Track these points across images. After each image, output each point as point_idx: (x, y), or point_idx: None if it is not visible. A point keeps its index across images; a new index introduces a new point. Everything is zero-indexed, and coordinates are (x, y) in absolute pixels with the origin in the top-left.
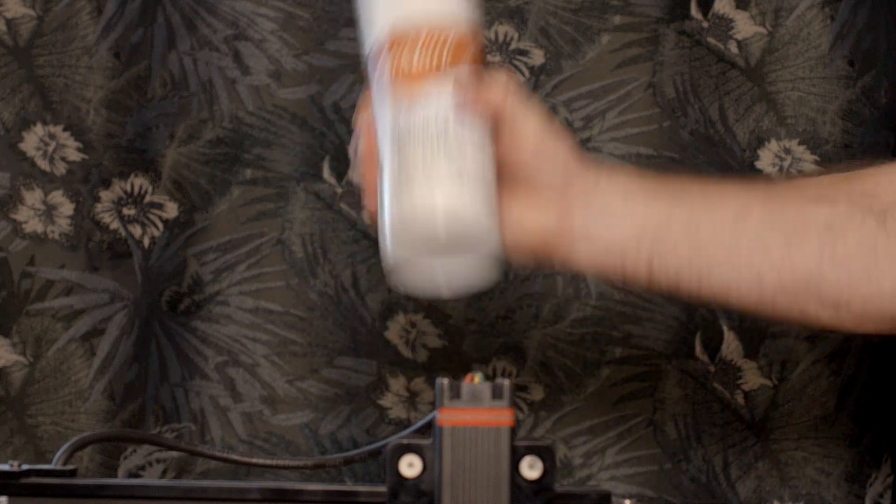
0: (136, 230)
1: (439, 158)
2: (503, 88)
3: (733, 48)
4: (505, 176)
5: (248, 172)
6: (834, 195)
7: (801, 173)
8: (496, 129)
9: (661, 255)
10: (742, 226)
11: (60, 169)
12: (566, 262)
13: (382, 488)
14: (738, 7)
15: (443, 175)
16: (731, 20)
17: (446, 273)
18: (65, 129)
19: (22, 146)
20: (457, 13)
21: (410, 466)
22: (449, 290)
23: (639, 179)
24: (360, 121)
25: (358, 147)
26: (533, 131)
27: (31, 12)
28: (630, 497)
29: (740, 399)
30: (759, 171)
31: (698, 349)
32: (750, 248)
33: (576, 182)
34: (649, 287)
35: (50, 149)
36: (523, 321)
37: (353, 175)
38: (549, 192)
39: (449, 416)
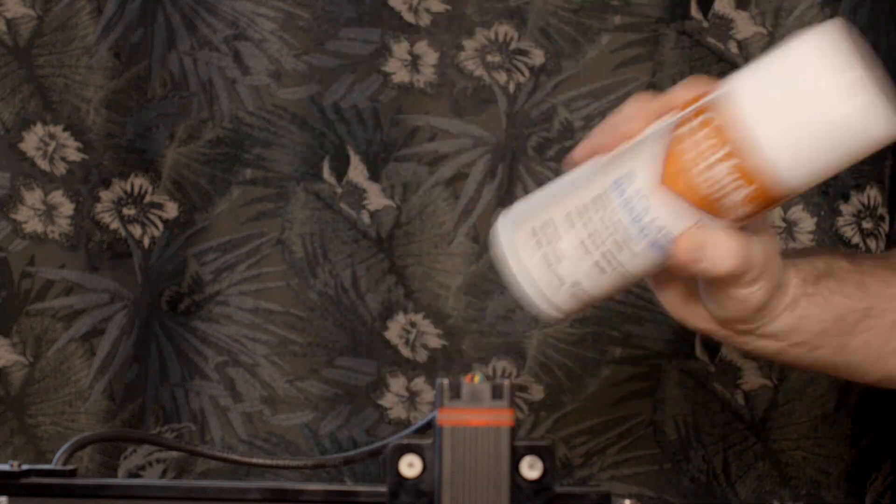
0: (136, 230)
1: (578, 235)
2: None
3: (733, 48)
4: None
5: (248, 172)
6: None
7: None
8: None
9: (831, 353)
10: None
11: (60, 169)
12: (729, 344)
13: (382, 488)
14: (738, 7)
15: (552, 252)
16: (731, 20)
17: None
18: (65, 129)
19: (22, 146)
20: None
21: (410, 466)
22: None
23: (824, 279)
24: (642, 102)
25: (618, 114)
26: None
27: (31, 12)
28: (630, 497)
29: (740, 399)
30: None
31: (698, 349)
32: None
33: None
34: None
35: (50, 149)
36: (523, 321)
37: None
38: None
39: (449, 416)
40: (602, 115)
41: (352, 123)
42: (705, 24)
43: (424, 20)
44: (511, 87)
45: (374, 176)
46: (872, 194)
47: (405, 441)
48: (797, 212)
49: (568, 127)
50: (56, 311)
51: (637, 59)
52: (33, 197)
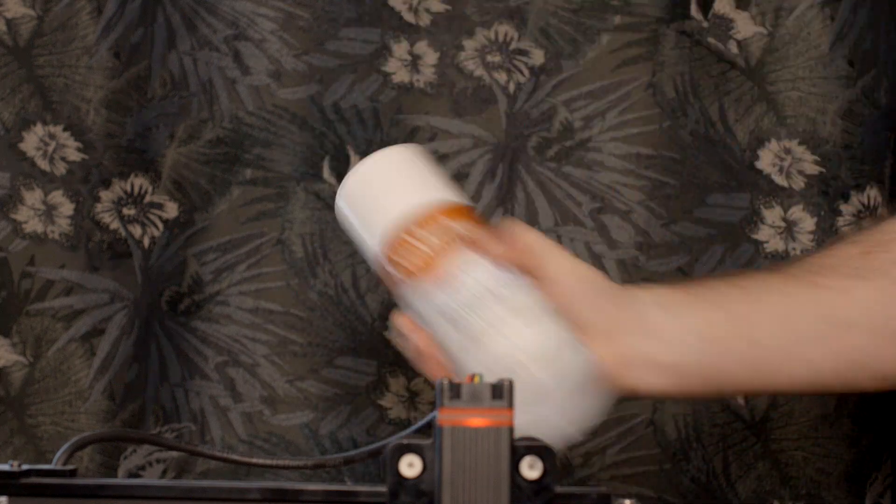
0: (136, 230)
1: (502, 314)
2: (525, 233)
3: (733, 48)
4: None
5: (248, 172)
6: (868, 269)
7: (801, 174)
8: (529, 276)
9: (721, 367)
10: (793, 322)
11: (60, 169)
12: (629, 391)
13: (382, 488)
14: (738, 7)
15: (513, 326)
16: (731, 20)
17: (565, 416)
18: (65, 129)
19: (22, 146)
20: (436, 197)
21: (410, 466)
22: (577, 430)
23: (677, 292)
24: (400, 324)
25: (412, 349)
26: (565, 269)
27: (31, 12)
28: (630, 497)
29: (740, 399)
30: (760, 172)
31: None
32: (805, 342)
33: (619, 312)
34: (710, 396)
35: (50, 149)
36: None
37: (423, 372)
38: (597, 329)
39: (449, 416)
40: (602, 114)
41: (352, 123)
42: (705, 24)
43: (424, 20)
44: (511, 87)
45: None
46: (872, 194)
47: (405, 441)
48: (797, 212)
49: (568, 127)
50: (56, 311)
51: (637, 59)
52: (33, 197)
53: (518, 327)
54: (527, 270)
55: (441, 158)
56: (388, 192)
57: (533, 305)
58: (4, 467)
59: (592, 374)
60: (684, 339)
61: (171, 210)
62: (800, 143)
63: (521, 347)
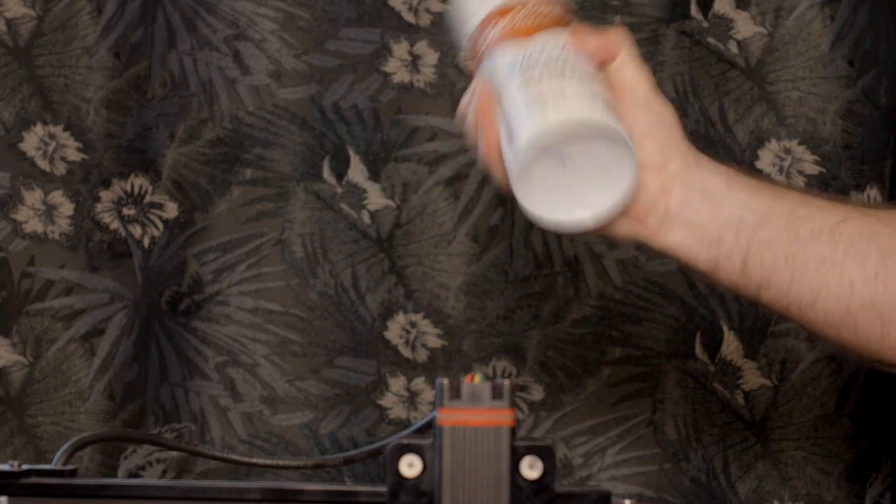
0: (136, 230)
1: (566, 81)
2: (618, 36)
3: (733, 48)
4: None
5: (248, 172)
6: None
7: (801, 173)
8: (606, 76)
9: (758, 247)
10: (840, 233)
11: (60, 169)
12: (655, 240)
13: (382, 488)
14: (738, 7)
15: (572, 93)
16: (731, 20)
17: (585, 195)
18: (65, 129)
19: (22, 146)
20: None
21: (410, 466)
22: (590, 213)
23: (738, 171)
24: (473, 87)
25: (472, 106)
26: (641, 86)
27: (31, 12)
28: (630, 497)
29: (740, 399)
30: (760, 172)
31: (698, 349)
32: (846, 255)
33: (677, 155)
34: (737, 282)
35: (50, 149)
36: (523, 321)
37: (467, 131)
38: (650, 160)
39: (449, 416)
40: None
41: (352, 123)
42: (705, 24)
43: (424, 20)
44: None
45: (374, 176)
46: (872, 194)
47: (405, 441)
48: None
49: None
50: (56, 311)
51: None
52: (33, 197)
53: (576, 95)
54: (607, 68)
55: (441, 158)
56: None
57: (596, 91)
58: (4, 467)
59: (624, 138)
60: (731, 214)
61: (171, 210)
62: (800, 143)
63: (572, 107)
